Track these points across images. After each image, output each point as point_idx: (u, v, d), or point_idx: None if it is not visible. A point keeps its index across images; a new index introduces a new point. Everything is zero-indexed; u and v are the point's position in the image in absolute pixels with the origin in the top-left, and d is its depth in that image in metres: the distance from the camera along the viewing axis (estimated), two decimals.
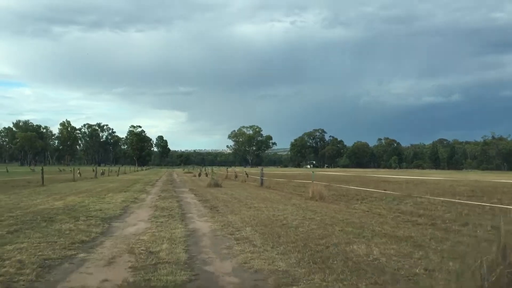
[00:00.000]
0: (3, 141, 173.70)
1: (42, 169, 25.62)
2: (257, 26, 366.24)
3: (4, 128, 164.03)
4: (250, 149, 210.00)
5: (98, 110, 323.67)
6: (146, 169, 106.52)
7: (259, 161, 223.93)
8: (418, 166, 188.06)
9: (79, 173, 40.46)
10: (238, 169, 70.37)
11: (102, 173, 48.89)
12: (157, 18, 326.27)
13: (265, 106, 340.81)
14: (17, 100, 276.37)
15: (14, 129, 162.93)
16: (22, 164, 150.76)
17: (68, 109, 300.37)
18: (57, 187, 23.95)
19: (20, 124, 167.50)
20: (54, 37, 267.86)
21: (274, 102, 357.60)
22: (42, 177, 25.22)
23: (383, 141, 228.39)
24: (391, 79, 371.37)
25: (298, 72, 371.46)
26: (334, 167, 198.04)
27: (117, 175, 53.45)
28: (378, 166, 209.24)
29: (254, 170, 56.43)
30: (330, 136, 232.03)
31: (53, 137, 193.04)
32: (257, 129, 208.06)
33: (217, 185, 25.57)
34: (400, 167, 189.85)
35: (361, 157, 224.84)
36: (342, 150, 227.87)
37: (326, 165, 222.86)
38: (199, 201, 16.70)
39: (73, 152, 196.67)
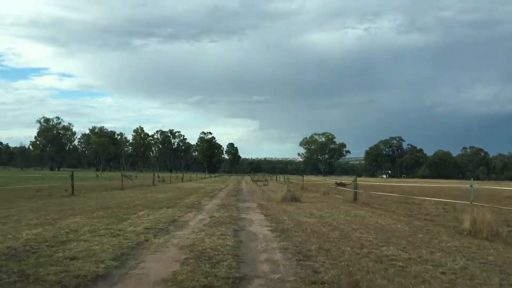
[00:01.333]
0: (81, 148, 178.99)
1: (72, 175, 20.19)
2: (329, 34, 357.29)
3: (82, 134, 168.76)
4: (322, 157, 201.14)
5: (173, 119, 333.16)
6: (214, 176, 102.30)
7: (331, 170, 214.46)
8: (510, 178, 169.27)
9: (135, 176, 35.57)
10: (313, 178, 63.26)
11: (162, 180, 43.84)
12: (229, 29, 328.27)
13: (338, 115, 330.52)
14: (100, 110, 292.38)
15: (90, 135, 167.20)
16: (97, 170, 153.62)
17: (146, 118, 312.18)
18: (86, 198, 18.50)
19: (96, 130, 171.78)
20: (134, 50, 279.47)
21: (346, 110, 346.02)
22: (72, 185, 19.88)
23: (468, 150, 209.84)
24: (472, 86, 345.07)
25: (372, 80, 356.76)
26: (411, 178, 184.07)
27: (181, 181, 48.58)
28: (462, 177, 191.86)
29: (330, 180, 49.05)
30: (408, 145, 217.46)
31: (127, 144, 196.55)
32: (329, 137, 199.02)
33: (294, 199, 18.99)
34: (489, 179, 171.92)
35: (443, 167, 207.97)
36: (421, 160, 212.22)
37: (403, 175, 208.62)
38: (272, 231, 10.15)
39: (146, 158, 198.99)
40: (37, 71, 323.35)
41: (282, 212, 14.51)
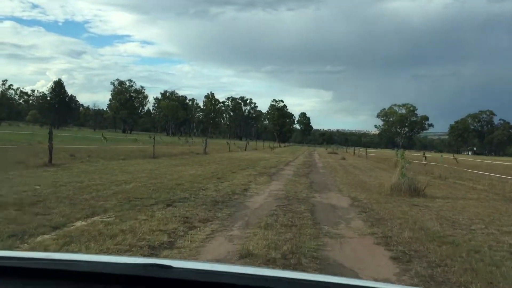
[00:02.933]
0: (154, 112, 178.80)
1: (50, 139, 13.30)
2: (412, 2, 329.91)
3: (154, 98, 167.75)
4: (402, 130, 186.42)
5: (247, 87, 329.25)
6: (284, 146, 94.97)
7: (410, 145, 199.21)
8: None
9: (191, 140, 28.89)
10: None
11: (231, 146, 36.91)
12: None
13: (417, 87, 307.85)
14: (178, 77, 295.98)
15: (161, 99, 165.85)
16: (168, 134, 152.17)
17: (221, 86, 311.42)
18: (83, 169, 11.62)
19: (167, 95, 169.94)
20: (211, 18, 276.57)
21: (427, 83, 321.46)
22: (50, 152, 13.00)
23: None
24: None
25: (457, 51, 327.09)
26: (500, 156, 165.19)
27: (244, 150, 41.63)
28: None
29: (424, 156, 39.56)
30: (500, 120, 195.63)
31: (198, 110, 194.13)
32: (411, 108, 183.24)
33: (416, 192, 10.75)
34: None
35: None
36: None
37: (492, 153, 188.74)
38: None
39: (216, 125, 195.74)
40: (121, 38, 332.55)
41: (407, 221, 6.56)
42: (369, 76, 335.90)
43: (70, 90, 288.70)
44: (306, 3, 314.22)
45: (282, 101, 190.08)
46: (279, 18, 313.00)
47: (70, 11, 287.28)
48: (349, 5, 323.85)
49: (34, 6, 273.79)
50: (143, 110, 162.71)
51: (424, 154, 64.33)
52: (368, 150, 61.18)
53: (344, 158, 35.17)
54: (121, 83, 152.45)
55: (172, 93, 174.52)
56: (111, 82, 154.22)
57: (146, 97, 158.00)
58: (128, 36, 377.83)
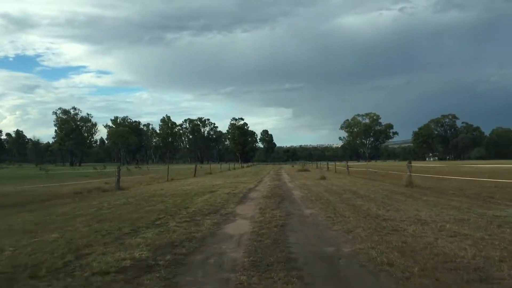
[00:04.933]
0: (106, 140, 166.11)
1: None
2: (363, 16, 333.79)
3: (104, 126, 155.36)
4: (367, 140, 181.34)
5: (208, 110, 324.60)
6: (247, 167, 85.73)
7: (377, 155, 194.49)
8: None
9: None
10: (350, 164, 45.32)
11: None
12: (261, 17, 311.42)
13: (375, 98, 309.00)
14: (137, 105, 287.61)
15: (112, 126, 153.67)
16: (124, 164, 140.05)
17: (181, 111, 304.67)
18: None
19: (118, 121, 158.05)
20: (167, 44, 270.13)
21: (384, 93, 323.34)
22: None
23: None
24: None
25: (409, 61, 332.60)
26: (465, 160, 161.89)
27: (193, 176, 32.10)
28: None
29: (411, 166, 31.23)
30: (462, 123, 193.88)
31: (154, 135, 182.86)
32: (374, 117, 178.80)
33: None
34: None
35: (504, 146, 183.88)
36: (478, 139, 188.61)
37: (448, 157, 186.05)
38: None
39: (174, 149, 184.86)
40: (76, 69, 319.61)
41: None
42: (328, 91, 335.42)
43: (24, 126, 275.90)
44: (261, 24, 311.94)
45: (242, 119, 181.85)
46: (235, 40, 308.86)
47: (21, 46, 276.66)
48: (303, 23, 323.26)
49: None
50: (92, 140, 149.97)
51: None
52: (339, 163, 52.90)
53: (324, 178, 26.20)
54: (65, 112, 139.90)
55: (124, 119, 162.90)
56: (53, 111, 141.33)
57: (94, 125, 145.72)
58: (83, 67, 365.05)
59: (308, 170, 47.21)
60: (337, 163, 55.16)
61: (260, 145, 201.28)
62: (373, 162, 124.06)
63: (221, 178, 31.26)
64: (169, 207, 11.59)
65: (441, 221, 7.96)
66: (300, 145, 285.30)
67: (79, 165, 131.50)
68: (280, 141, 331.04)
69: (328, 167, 49.25)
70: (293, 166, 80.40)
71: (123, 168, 32.30)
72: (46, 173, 36.14)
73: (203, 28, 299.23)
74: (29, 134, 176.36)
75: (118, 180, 18.50)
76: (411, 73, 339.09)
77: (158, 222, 8.72)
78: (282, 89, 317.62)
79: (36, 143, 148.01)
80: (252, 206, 11.96)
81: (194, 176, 34.51)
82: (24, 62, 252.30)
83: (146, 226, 8.21)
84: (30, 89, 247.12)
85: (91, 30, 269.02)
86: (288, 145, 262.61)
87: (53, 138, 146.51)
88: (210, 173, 41.33)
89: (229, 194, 15.81)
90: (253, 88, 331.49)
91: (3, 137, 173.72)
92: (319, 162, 76.07)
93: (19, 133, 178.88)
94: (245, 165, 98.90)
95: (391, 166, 53.20)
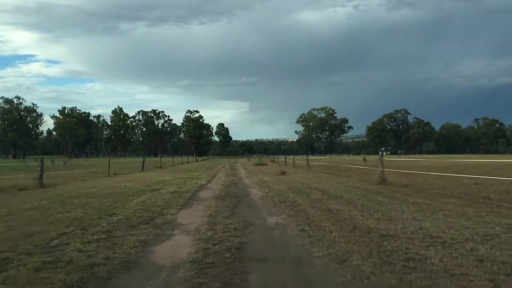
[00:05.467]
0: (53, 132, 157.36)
1: None
2: (319, 13, 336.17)
3: (51, 117, 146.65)
4: (323, 134, 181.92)
5: (163, 103, 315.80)
6: (202, 160, 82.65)
7: (332, 149, 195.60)
8: None
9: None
10: (309, 157, 43.75)
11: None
12: (218, 10, 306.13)
13: (329, 94, 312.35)
14: (89, 96, 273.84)
15: (59, 117, 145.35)
16: (71, 157, 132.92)
17: (136, 103, 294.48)
18: None
19: (66, 112, 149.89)
20: (122, 34, 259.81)
21: (338, 89, 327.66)
22: None
23: (480, 121, 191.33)
24: (462, 61, 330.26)
25: (363, 58, 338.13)
26: (416, 154, 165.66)
27: (141, 170, 28.94)
28: (477, 151, 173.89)
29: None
30: (414, 118, 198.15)
31: (105, 127, 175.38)
32: (330, 111, 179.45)
33: None
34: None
35: (452, 141, 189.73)
36: (429, 134, 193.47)
37: (399, 151, 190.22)
38: None
39: (127, 142, 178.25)
40: (24, 58, 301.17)
41: None
42: (284, 86, 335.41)
43: None
44: (218, 16, 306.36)
45: (197, 111, 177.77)
46: (191, 32, 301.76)
47: None
48: (261, 18, 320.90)
49: None
50: (38, 131, 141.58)
51: (364, 158, 55.47)
52: (297, 158, 50.99)
53: (284, 173, 23.83)
54: (7, 101, 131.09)
55: (73, 109, 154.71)
56: None
57: (40, 115, 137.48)
58: (32, 56, 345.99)
59: (265, 164, 44.92)
60: (296, 157, 53.31)
61: (216, 138, 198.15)
62: (328, 157, 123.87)
63: (171, 172, 28.34)
64: (90, 213, 8.78)
65: (464, 240, 5.64)
66: (256, 139, 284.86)
67: (23, 157, 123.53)
68: (236, 135, 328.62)
69: (286, 161, 47.12)
70: (249, 160, 78.09)
71: (59, 161, 28.69)
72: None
73: (159, 19, 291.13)
74: None
75: (41, 177, 15.27)
76: (365, 70, 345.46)
77: (56, 241, 5.95)
78: (239, 83, 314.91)
79: None
80: (200, 211, 9.33)
81: (142, 170, 31.34)
82: None
83: (30, 250, 5.40)
84: None
85: (41, 18, 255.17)
86: (244, 138, 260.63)
87: None
88: (161, 167, 38.19)
89: (175, 193, 13.09)
90: (210, 82, 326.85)
91: None
92: (276, 156, 74.09)
93: None
94: (200, 158, 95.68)
95: (349, 160, 51.81)
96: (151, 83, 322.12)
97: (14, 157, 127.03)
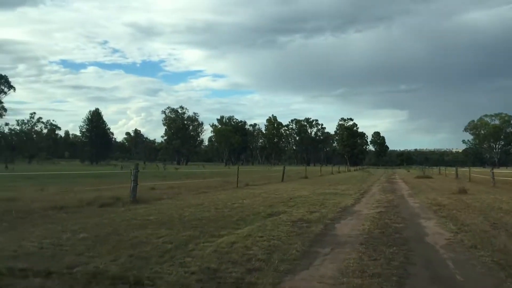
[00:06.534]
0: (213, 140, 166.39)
1: None
2: (488, 12, 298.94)
3: (210, 125, 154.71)
4: (497, 144, 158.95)
5: (318, 112, 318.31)
6: (354, 170, 76.35)
7: (507, 161, 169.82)
8: None
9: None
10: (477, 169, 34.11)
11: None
12: (376, 16, 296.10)
13: (501, 99, 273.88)
14: (249, 107, 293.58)
15: (217, 125, 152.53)
16: (227, 164, 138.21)
17: (292, 113, 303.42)
18: None
19: (224, 120, 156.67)
20: (280, 46, 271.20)
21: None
22: None
23: None
24: None
25: None
26: None
27: (281, 181, 24.74)
28: None
29: None
30: None
31: (260, 135, 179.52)
32: (505, 118, 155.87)
33: None
34: None
35: None
36: None
37: None
38: None
39: (280, 150, 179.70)
40: (194, 74, 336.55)
41: None
42: (447, 92, 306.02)
43: (148, 127, 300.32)
44: (375, 23, 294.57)
45: (351, 119, 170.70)
46: (348, 41, 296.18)
47: (147, 53, 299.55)
48: (422, 21, 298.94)
49: (115, 51, 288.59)
50: (199, 139, 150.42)
51: None
52: (464, 169, 41.65)
53: (464, 191, 17.09)
54: (173, 110, 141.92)
55: (230, 118, 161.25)
56: (162, 110, 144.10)
57: (201, 124, 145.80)
58: (200, 71, 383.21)
59: (431, 177, 37.23)
60: (462, 169, 44.24)
61: (371, 147, 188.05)
62: (503, 169, 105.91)
63: (314, 184, 23.56)
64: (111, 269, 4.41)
65: None
66: (415, 149, 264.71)
67: (186, 164, 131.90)
68: (393, 145, 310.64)
69: (457, 173, 38.62)
70: (408, 171, 69.27)
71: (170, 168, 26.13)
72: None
73: (315, 30, 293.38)
74: (151, 135, 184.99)
75: (134, 189, 11.78)
76: None
77: None
78: (397, 91, 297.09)
79: (145, 142, 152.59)
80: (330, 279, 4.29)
81: (282, 181, 27.21)
82: (149, 68, 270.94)
83: None
84: (154, 92, 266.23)
85: (208, 36, 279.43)
86: (402, 148, 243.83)
87: (161, 137, 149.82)
88: (306, 177, 33.73)
89: (296, 224, 8.21)
90: (366, 90, 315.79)
91: (124, 136, 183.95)
92: (441, 167, 64.13)
93: (136, 132, 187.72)
94: (352, 168, 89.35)
95: None
96: (306, 93, 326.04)
97: (178, 163, 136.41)
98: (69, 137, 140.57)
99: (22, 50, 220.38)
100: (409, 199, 15.37)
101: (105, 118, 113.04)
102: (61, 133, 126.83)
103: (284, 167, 31.39)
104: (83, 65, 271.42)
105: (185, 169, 54.16)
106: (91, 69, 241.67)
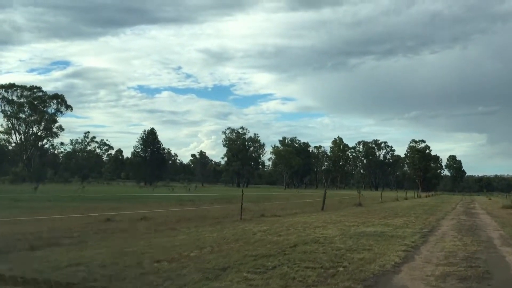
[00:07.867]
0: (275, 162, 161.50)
1: None
2: None
3: (272, 147, 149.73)
4: None
5: (389, 135, 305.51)
6: (426, 196, 67.61)
7: None
8: None
9: None
10: None
11: None
12: (453, 37, 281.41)
13: None
14: (318, 130, 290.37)
15: (279, 146, 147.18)
16: (287, 187, 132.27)
17: (362, 136, 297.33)
18: None
19: (286, 141, 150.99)
20: (350, 69, 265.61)
21: None
22: None
23: None
24: None
25: None
26: None
27: (321, 209, 18.88)
28: None
29: None
30: None
31: (325, 157, 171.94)
32: None
33: None
34: None
35: None
36: None
37: None
38: None
39: (346, 174, 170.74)
40: (264, 97, 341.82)
41: None
42: None
43: (218, 150, 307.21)
44: (451, 44, 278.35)
45: (423, 141, 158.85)
46: (421, 62, 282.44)
47: (218, 77, 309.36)
48: (501, 40, 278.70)
49: (188, 76, 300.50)
50: (259, 161, 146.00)
51: None
52: None
53: None
54: (233, 131, 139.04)
55: (293, 140, 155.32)
56: (223, 131, 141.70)
57: (262, 145, 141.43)
58: (270, 94, 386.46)
59: None
60: None
61: (446, 172, 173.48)
62: None
63: (361, 216, 17.47)
64: None
65: None
66: (495, 175, 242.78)
67: (246, 186, 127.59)
68: (471, 169, 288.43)
69: None
70: (489, 199, 59.81)
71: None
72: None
73: (387, 52, 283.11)
74: (218, 158, 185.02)
75: None
76: None
77: None
78: (474, 113, 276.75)
79: (209, 164, 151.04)
80: None
81: (322, 209, 21.23)
82: (220, 92, 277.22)
83: None
84: (224, 116, 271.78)
85: (279, 60, 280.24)
86: (481, 174, 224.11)
87: (222, 158, 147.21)
88: (360, 205, 27.42)
89: None
90: (441, 112, 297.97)
91: (190, 158, 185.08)
92: None
93: (202, 154, 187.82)
94: (424, 194, 79.97)
95: None
96: (377, 116, 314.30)
97: (238, 185, 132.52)
98: (123, 156, 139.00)
99: (103, 77, 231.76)
100: (504, 249, 9.11)
101: (177, 140, 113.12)
102: (113, 152, 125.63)
103: (325, 191, 25.22)
104: (158, 90, 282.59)
105: (216, 192, 49.06)
106: (165, 93, 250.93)
